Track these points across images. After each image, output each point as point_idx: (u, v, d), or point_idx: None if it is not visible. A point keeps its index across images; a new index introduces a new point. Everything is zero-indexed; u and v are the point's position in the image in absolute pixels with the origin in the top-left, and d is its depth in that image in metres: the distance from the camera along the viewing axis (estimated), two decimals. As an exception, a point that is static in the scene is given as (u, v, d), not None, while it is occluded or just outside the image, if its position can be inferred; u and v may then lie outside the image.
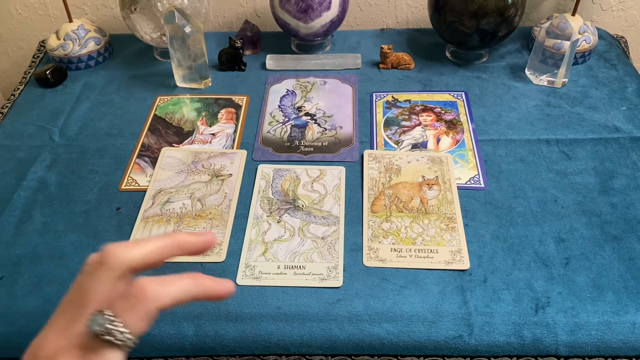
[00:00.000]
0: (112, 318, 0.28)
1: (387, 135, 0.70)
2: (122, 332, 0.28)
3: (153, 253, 0.31)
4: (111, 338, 0.28)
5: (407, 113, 0.74)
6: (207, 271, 0.54)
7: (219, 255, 0.56)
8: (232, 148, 0.69)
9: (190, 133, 0.72)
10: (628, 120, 0.71)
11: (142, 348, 0.50)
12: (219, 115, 0.75)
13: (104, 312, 0.28)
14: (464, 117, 0.72)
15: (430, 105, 0.75)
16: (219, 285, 0.32)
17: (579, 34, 0.79)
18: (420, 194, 0.61)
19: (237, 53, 0.82)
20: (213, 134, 0.72)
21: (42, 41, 0.94)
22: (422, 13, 0.97)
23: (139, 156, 0.69)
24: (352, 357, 0.50)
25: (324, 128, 0.72)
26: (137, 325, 0.28)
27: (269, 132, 0.72)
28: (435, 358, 0.50)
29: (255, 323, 0.50)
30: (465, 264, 0.54)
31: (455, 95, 0.76)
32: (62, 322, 0.30)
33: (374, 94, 0.77)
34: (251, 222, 0.59)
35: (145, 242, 0.31)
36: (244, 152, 0.68)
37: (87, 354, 0.28)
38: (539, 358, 0.49)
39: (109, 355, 0.28)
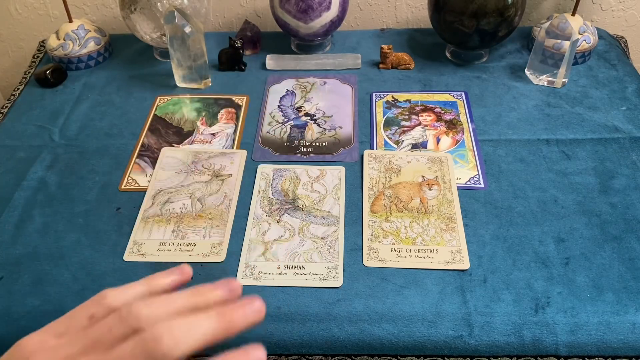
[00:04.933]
0: None
1: (387, 135, 0.70)
2: None
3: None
4: None
5: (407, 113, 0.74)
6: (207, 271, 0.54)
7: (219, 255, 0.56)
8: (232, 148, 0.69)
9: (190, 133, 0.72)
10: (628, 120, 0.71)
11: (142, 348, 0.50)
12: (219, 115, 0.75)
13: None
14: (463, 117, 0.73)
15: (430, 105, 0.75)
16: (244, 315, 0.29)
17: (579, 34, 0.79)
18: (420, 194, 0.61)
19: (237, 53, 0.82)
20: (213, 134, 0.72)
21: (42, 41, 0.94)
22: (422, 13, 0.97)
23: (139, 156, 0.69)
24: (352, 357, 0.50)
25: (324, 128, 0.72)
26: None
27: (268, 132, 0.72)
28: (435, 358, 0.50)
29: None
30: (465, 264, 0.54)
31: (455, 95, 0.76)
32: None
33: (373, 94, 0.77)
34: (251, 222, 0.59)
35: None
36: (244, 152, 0.68)
37: None
38: (539, 358, 0.49)
39: None
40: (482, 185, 0.63)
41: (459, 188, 0.62)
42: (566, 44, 0.74)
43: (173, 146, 0.70)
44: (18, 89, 0.82)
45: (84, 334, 0.28)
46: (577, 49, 0.79)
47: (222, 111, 0.75)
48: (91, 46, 0.84)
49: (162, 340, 0.26)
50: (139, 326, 0.27)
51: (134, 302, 0.29)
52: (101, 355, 0.27)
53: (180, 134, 0.72)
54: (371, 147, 0.69)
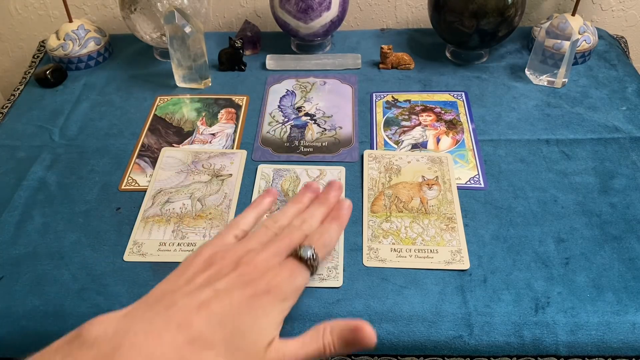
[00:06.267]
0: (315, 252, 0.43)
1: (387, 136, 0.70)
2: (316, 261, 0.43)
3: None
4: (312, 263, 0.43)
5: (407, 113, 0.74)
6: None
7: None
8: (232, 148, 0.69)
9: (190, 133, 0.72)
10: (628, 120, 0.71)
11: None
12: (219, 116, 0.75)
13: (311, 246, 0.43)
14: (463, 117, 0.73)
15: (430, 105, 0.75)
16: (346, 213, 0.49)
17: (579, 34, 0.79)
18: (420, 194, 0.61)
19: (237, 53, 0.82)
20: (213, 134, 0.72)
21: (42, 41, 0.94)
22: (422, 13, 0.97)
23: (139, 156, 0.69)
24: (352, 357, 0.50)
25: (324, 128, 0.72)
26: (322, 260, 0.45)
27: (268, 132, 0.72)
28: (435, 358, 0.50)
29: (255, 323, 0.50)
30: (465, 264, 0.54)
31: (455, 95, 0.77)
32: (275, 249, 0.43)
33: (373, 94, 0.77)
34: (251, 222, 0.59)
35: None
36: (244, 152, 0.68)
37: (292, 268, 0.42)
38: (539, 358, 0.49)
39: (304, 273, 0.42)
40: (482, 185, 0.63)
41: (459, 188, 0.62)
42: (566, 44, 0.74)
43: (173, 146, 0.70)
44: (18, 89, 0.83)
45: (271, 239, 0.45)
46: (577, 49, 0.79)
47: (222, 111, 0.75)
48: (91, 46, 0.84)
49: (322, 238, 0.45)
50: (307, 233, 0.45)
51: (297, 220, 0.47)
52: (287, 245, 0.44)
53: (180, 134, 0.72)
54: (371, 147, 0.69)
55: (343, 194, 0.52)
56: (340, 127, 0.72)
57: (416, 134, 0.70)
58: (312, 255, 0.43)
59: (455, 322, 0.50)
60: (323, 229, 0.47)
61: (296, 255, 0.43)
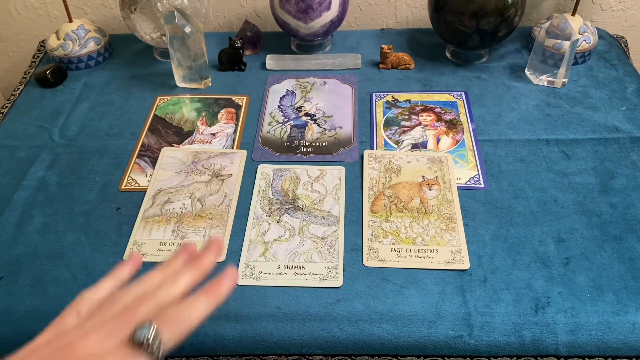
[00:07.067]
0: (156, 331, 0.34)
1: (387, 135, 0.70)
2: (156, 343, 0.34)
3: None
4: (149, 345, 0.34)
5: (407, 113, 0.74)
6: (207, 271, 0.54)
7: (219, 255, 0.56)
8: (232, 148, 0.69)
9: (190, 133, 0.72)
10: (628, 120, 0.71)
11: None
12: (219, 115, 0.75)
13: (151, 324, 0.35)
14: (463, 117, 0.73)
15: (430, 105, 0.75)
16: (226, 287, 0.39)
17: (579, 34, 0.79)
18: (420, 194, 0.61)
19: (237, 53, 0.82)
20: (213, 134, 0.72)
21: (42, 41, 0.94)
22: (422, 13, 0.97)
23: (139, 156, 0.69)
24: (352, 357, 0.50)
25: (324, 128, 0.72)
26: (170, 342, 0.35)
27: (268, 132, 0.72)
28: (435, 358, 0.50)
29: (255, 323, 0.50)
30: (465, 264, 0.54)
31: (455, 95, 0.76)
32: (109, 330, 0.35)
33: (374, 94, 0.77)
34: (251, 222, 0.59)
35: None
36: (244, 152, 0.68)
37: (122, 356, 0.34)
38: (539, 358, 0.49)
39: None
40: (482, 185, 0.63)
41: (459, 188, 0.62)
42: (566, 44, 0.74)
43: (173, 146, 0.70)
44: (18, 89, 0.83)
45: (114, 315, 0.36)
46: (577, 49, 0.79)
47: (222, 111, 0.75)
48: (91, 46, 0.84)
49: (176, 313, 0.36)
50: (163, 305, 0.37)
51: (153, 288, 0.38)
52: (125, 323, 0.35)
53: (180, 134, 0.72)
54: (371, 147, 0.69)
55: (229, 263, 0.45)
56: (340, 127, 0.72)
57: (416, 134, 0.70)
58: (150, 337, 0.34)
59: (455, 322, 0.50)
60: (184, 302, 0.37)
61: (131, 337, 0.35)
